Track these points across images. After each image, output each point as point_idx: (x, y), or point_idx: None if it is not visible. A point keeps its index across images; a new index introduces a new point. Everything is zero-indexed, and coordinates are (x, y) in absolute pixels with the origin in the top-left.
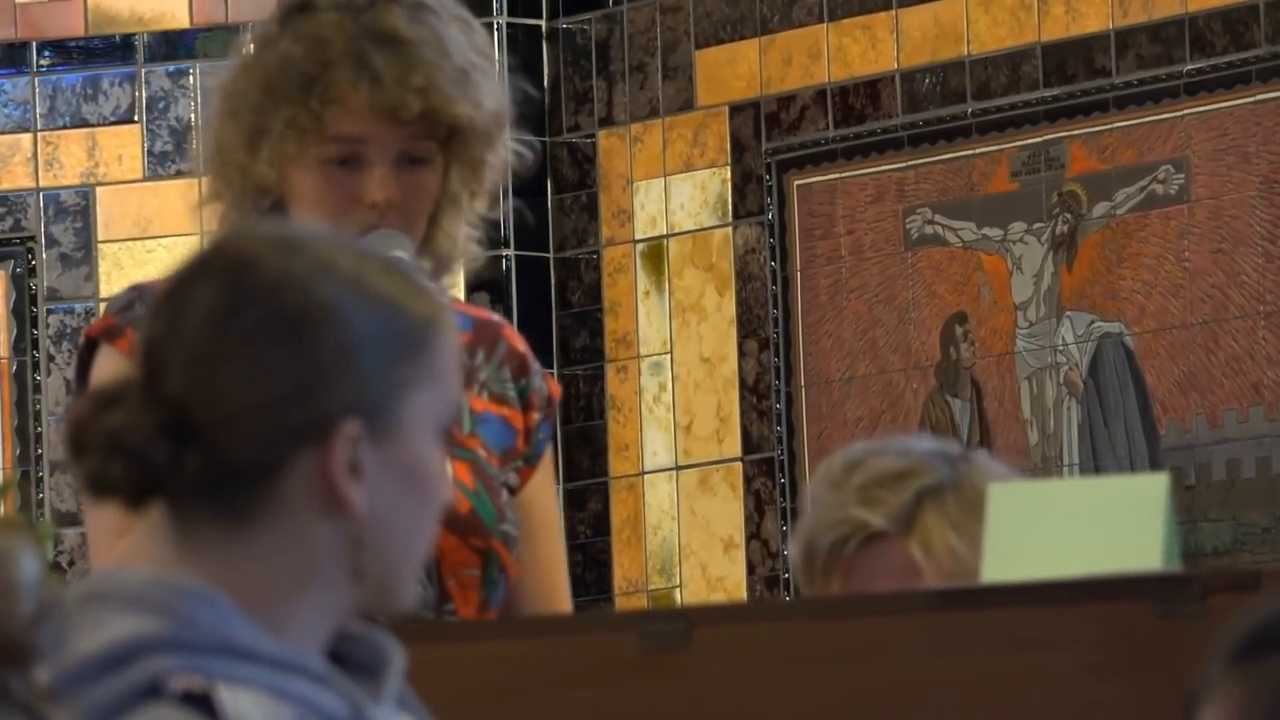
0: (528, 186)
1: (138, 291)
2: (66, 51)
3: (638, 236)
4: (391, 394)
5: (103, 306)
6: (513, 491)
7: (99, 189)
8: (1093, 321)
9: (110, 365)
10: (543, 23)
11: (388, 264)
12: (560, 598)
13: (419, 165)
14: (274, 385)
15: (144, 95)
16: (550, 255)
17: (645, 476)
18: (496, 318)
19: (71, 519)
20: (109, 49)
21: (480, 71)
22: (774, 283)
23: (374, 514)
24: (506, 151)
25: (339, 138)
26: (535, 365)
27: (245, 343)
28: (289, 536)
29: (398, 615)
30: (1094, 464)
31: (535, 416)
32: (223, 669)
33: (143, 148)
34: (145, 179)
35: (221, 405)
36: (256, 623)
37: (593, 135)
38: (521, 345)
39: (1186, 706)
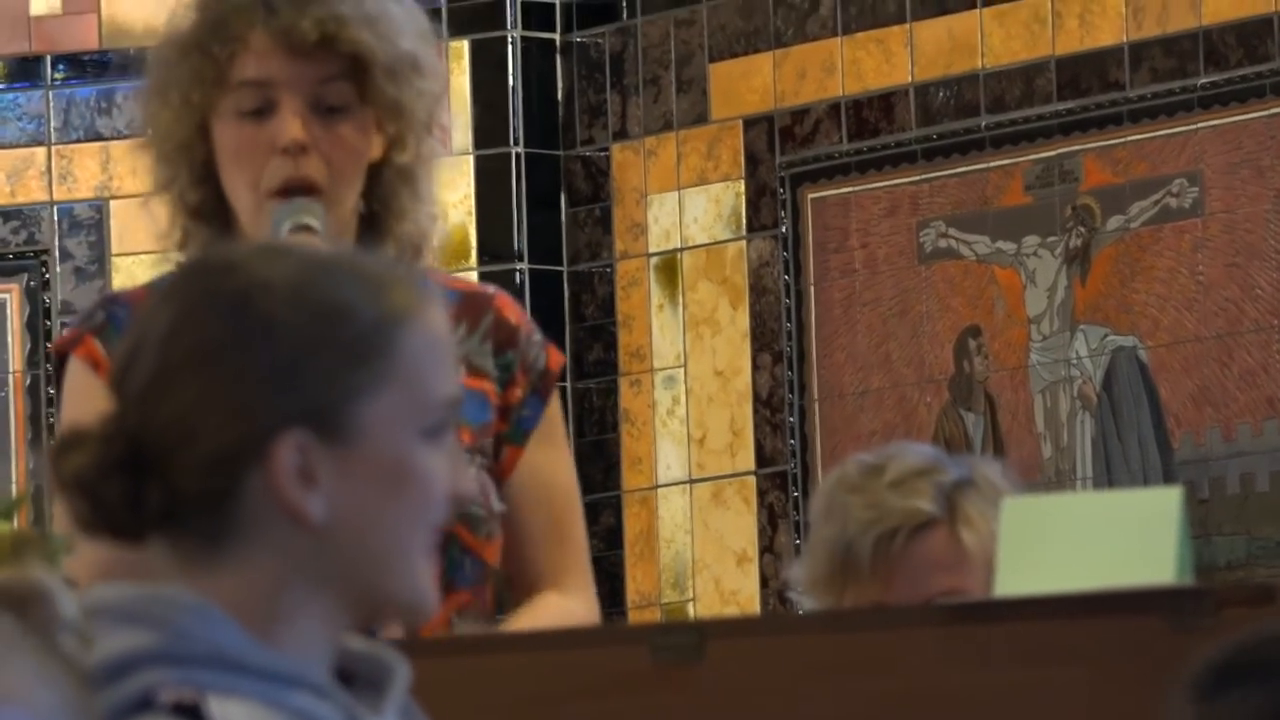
0: (542, 200)
1: (105, 299)
2: (80, 65)
3: (651, 250)
4: (344, 400)
5: None
6: (493, 473)
7: (113, 202)
8: (1106, 335)
9: (78, 377)
10: (557, 36)
11: (340, 269)
12: (574, 563)
13: (337, 116)
14: (211, 410)
15: None
16: (564, 269)
17: (659, 490)
18: (491, 289)
19: None
20: (123, 62)
21: (388, 19)
22: (787, 296)
23: (342, 519)
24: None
25: (246, 83)
26: (530, 335)
27: (183, 368)
28: (262, 553)
29: (416, 621)
30: (1107, 477)
31: (518, 393)
32: (214, 681)
33: None
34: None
35: (168, 437)
36: (256, 638)
37: (606, 149)
38: (515, 316)
39: None
